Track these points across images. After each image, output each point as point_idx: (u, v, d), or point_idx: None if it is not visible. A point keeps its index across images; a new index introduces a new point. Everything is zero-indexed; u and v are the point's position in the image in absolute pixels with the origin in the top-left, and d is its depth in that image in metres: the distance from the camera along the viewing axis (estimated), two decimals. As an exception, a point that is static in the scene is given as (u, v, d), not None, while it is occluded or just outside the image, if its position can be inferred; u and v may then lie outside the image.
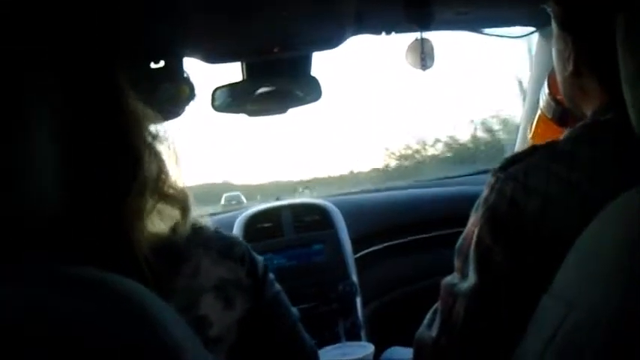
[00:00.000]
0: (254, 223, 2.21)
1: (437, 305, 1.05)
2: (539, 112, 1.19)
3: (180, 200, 0.94)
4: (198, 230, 0.96)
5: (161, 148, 0.91)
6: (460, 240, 1.02)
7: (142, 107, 0.89)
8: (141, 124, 0.89)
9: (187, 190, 0.95)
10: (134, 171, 0.85)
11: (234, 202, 5.49)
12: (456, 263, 1.02)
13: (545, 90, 1.13)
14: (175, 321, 0.69)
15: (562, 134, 1.02)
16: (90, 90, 0.82)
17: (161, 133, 0.92)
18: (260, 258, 1.05)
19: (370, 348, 1.43)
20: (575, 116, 1.06)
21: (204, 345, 0.74)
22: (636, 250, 0.63)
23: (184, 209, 0.94)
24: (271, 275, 1.06)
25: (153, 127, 0.92)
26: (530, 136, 1.26)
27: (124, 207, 0.83)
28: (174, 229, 0.92)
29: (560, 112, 1.14)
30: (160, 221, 0.90)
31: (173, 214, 0.93)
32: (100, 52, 0.86)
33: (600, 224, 0.70)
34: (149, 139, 0.89)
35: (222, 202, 6.53)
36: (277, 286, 1.08)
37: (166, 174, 0.91)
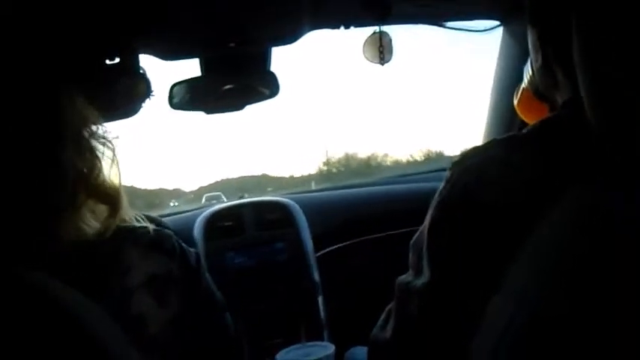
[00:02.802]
0: (215, 221, 2.17)
1: (391, 305, 1.03)
2: (523, 84, 1.19)
3: (111, 198, 0.92)
4: (127, 227, 0.95)
5: (99, 146, 0.90)
6: (416, 235, 1.00)
7: (82, 105, 0.88)
8: (78, 122, 0.87)
9: (120, 189, 0.94)
10: (65, 167, 0.83)
11: (214, 202, 5.53)
12: (411, 259, 1.00)
13: (529, 70, 1.12)
14: (101, 321, 0.68)
15: (545, 108, 1.05)
16: (25, 86, 0.81)
17: (100, 132, 0.91)
18: (192, 249, 1.04)
19: (331, 348, 1.41)
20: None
21: (142, 345, 0.73)
22: (579, 248, 0.63)
23: (115, 207, 0.92)
24: (206, 274, 1.07)
25: (93, 126, 0.90)
26: (515, 103, 1.26)
27: (52, 202, 0.81)
28: (103, 228, 0.90)
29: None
30: (91, 220, 0.89)
31: (104, 212, 0.91)
32: (38, 50, 0.84)
33: (551, 222, 0.69)
34: (86, 136, 0.88)
35: (203, 201, 6.61)
36: (211, 286, 1.09)
37: (100, 172, 0.90)
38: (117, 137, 0.96)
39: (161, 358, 0.90)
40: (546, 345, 0.61)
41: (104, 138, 0.93)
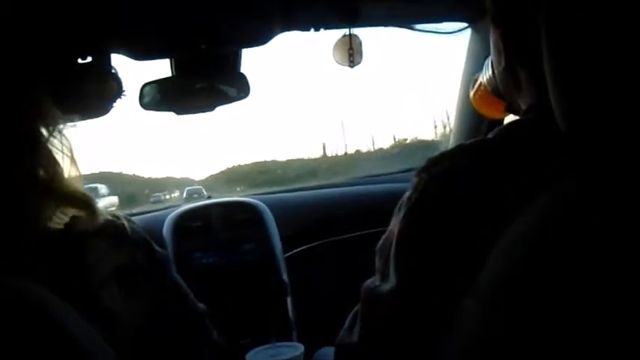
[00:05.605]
0: (183, 221, 2.17)
1: (357, 308, 1.03)
2: (481, 78, 1.18)
3: (79, 202, 0.91)
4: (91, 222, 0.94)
5: (57, 147, 0.90)
6: (382, 240, 1.00)
7: (47, 105, 0.87)
8: (38, 123, 0.86)
9: (85, 190, 0.93)
10: (27, 170, 0.82)
11: (195, 196, 5.52)
12: (377, 264, 1.00)
13: (489, 68, 1.12)
14: (74, 320, 0.68)
15: (501, 105, 1.08)
16: None
17: (58, 130, 0.90)
18: (158, 247, 1.05)
19: (300, 349, 1.41)
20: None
21: (111, 339, 0.73)
22: (545, 253, 0.63)
23: (90, 211, 0.91)
24: (173, 268, 1.10)
25: (51, 127, 0.89)
26: (471, 95, 1.26)
27: (18, 206, 0.81)
28: (69, 225, 0.89)
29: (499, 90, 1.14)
30: (55, 220, 0.88)
31: (69, 213, 0.91)
32: (8, 49, 0.83)
33: (518, 228, 0.69)
34: (46, 137, 0.87)
35: (185, 195, 6.61)
36: (179, 279, 1.10)
37: (62, 175, 0.89)
38: (74, 135, 0.95)
39: (131, 350, 0.90)
40: (517, 348, 0.62)
41: (61, 133, 0.92)
